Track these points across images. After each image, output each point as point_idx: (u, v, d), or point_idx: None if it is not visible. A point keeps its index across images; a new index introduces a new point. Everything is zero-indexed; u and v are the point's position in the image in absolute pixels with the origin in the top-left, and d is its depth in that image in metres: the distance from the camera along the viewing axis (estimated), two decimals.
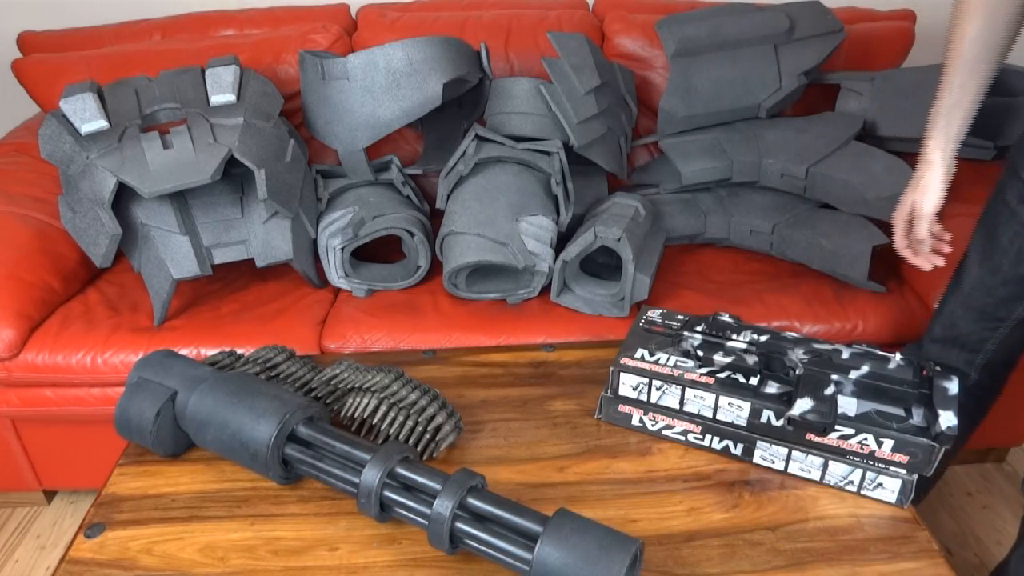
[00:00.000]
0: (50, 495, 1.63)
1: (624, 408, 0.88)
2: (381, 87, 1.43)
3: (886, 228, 1.44)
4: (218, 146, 1.31)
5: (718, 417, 0.83)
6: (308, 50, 1.60)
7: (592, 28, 1.77)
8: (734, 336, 0.85)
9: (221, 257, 1.39)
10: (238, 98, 1.41)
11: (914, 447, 0.74)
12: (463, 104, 1.69)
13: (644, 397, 0.86)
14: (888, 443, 0.75)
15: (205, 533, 0.75)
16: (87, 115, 1.33)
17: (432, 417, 0.83)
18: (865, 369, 0.80)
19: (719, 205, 1.60)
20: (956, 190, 1.03)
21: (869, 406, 0.78)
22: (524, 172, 1.46)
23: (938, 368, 0.79)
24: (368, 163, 1.52)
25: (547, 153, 1.47)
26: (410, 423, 0.82)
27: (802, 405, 0.76)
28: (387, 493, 0.71)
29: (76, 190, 1.33)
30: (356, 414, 0.84)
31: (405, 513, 0.71)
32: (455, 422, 0.84)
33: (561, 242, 1.43)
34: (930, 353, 1.15)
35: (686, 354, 0.87)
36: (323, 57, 1.51)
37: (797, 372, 0.80)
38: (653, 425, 0.87)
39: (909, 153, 1.49)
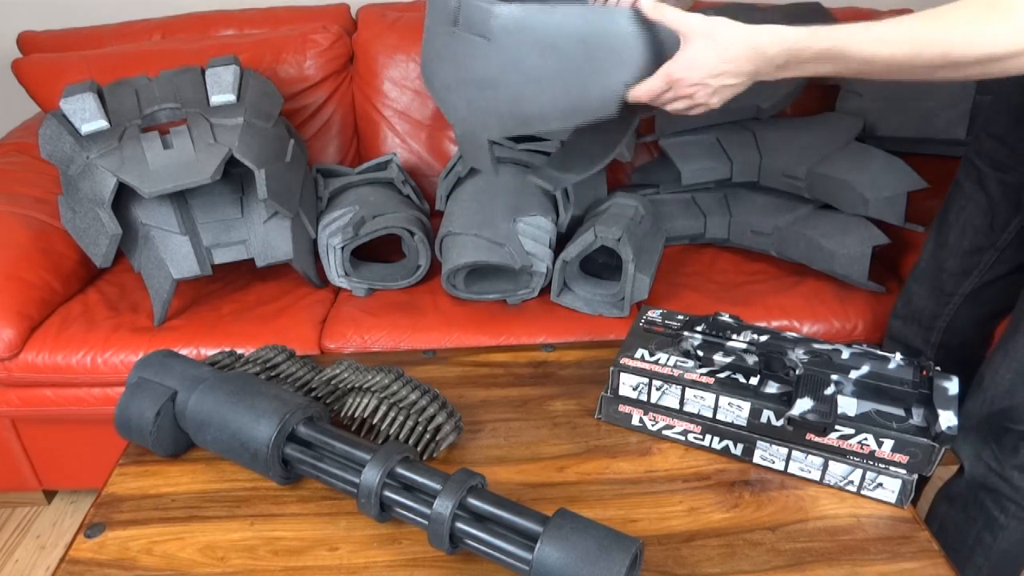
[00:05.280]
0: (50, 495, 1.63)
1: (624, 408, 0.88)
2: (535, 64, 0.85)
3: (886, 228, 1.45)
4: (218, 146, 1.31)
5: (718, 417, 0.83)
6: None
7: None
8: (734, 336, 0.85)
9: (221, 257, 1.39)
10: (238, 98, 1.41)
11: (914, 447, 0.74)
12: None
13: (644, 397, 0.86)
14: (888, 443, 0.75)
15: (205, 533, 0.75)
16: (87, 115, 1.33)
17: (432, 417, 0.83)
18: (865, 369, 0.80)
19: (719, 205, 1.60)
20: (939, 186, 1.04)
21: (869, 406, 0.78)
22: (523, 173, 1.46)
23: (938, 368, 0.79)
24: (492, 154, 0.98)
25: (546, 154, 1.47)
26: (410, 423, 0.82)
27: (802, 405, 0.76)
28: (387, 493, 0.71)
29: (76, 190, 1.33)
30: (356, 414, 0.84)
31: (405, 513, 0.71)
32: (455, 422, 0.84)
33: (561, 242, 1.43)
34: (893, 329, 1.21)
35: (686, 354, 0.87)
36: None
37: (797, 372, 0.80)
38: (653, 425, 0.87)
39: (909, 153, 1.50)
